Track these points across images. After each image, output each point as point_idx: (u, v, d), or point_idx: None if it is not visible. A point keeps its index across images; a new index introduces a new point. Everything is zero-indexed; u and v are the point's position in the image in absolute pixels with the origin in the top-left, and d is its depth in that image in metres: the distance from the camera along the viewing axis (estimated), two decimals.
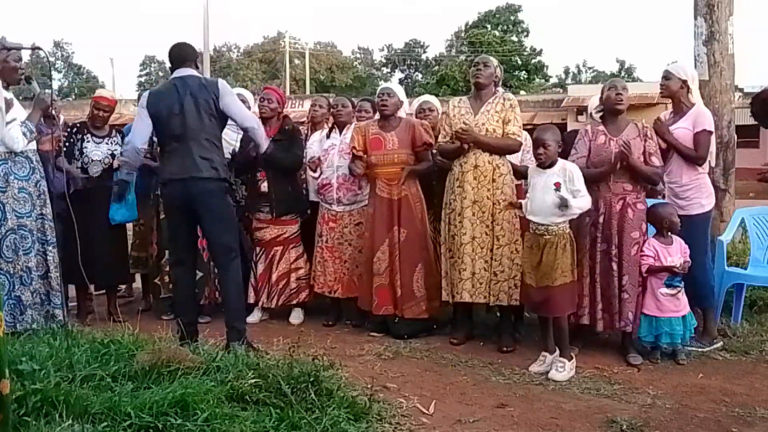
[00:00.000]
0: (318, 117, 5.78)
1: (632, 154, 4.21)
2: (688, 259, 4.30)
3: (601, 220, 4.32)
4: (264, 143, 4.71)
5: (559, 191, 4.02)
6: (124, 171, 5.08)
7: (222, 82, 4.35)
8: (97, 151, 5.24)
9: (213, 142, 4.27)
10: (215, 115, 4.26)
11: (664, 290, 4.29)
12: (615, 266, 4.29)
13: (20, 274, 4.26)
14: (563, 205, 3.98)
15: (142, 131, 4.37)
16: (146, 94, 4.44)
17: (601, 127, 4.42)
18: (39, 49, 3.12)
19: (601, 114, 4.52)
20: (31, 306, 4.29)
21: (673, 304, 4.29)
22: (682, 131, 4.49)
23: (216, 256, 4.41)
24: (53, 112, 4.55)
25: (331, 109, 5.55)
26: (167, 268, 5.32)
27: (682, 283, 4.29)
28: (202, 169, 4.20)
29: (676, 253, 4.30)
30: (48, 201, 4.43)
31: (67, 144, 5.13)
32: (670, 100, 4.70)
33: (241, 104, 4.50)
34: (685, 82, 4.55)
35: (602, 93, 4.49)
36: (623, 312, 4.29)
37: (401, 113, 5.11)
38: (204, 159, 4.21)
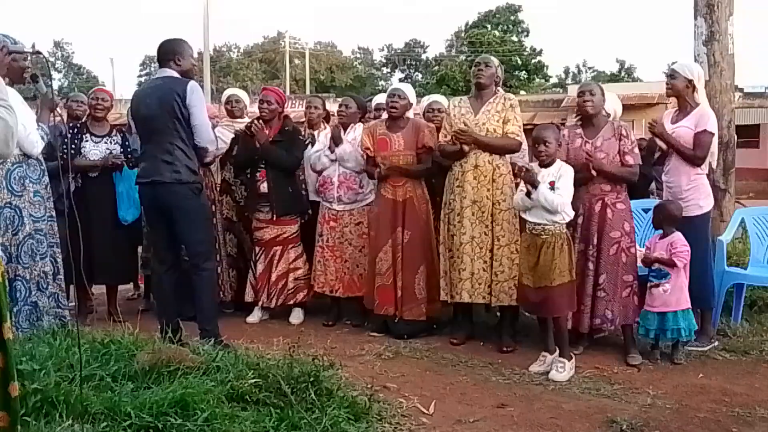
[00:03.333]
0: (314, 118, 5.77)
1: (596, 160, 4.28)
2: (672, 259, 4.22)
3: (579, 221, 4.36)
4: (208, 158, 4.63)
5: (554, 191, 4.02)
6: None
7: (190, 86, 4.21)
8: (95, 150, 5.23)
9: (176, 146, 4.19)
10: (179, 118, 4.18)
11: (650, 283, 4.31)
12: (591, 266, 4.34)
13: (37, 280, 4.19)
14: (531, 181, 4.02)
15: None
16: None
17: (579, 130, 4.48)
18: (39, 53, 3.12)
19: (579, 118, 4.56)
20: (48, 311, 4.23)
21: (649, 298, 4.30)
22: (684, 130, 4.49)
23: (190, 258, 4.37)
24: (58, 112, 4.55)
25: (337, 109, 5.54)
26: None
27: (664, 280, 4.24)
28: (163, 173, 4.19)
29: (659, 250, 4.29)
30: (53, 201, 4.41)
31: (70, 144, 5.14)
32: (673, 100, 4.71)
33: (204, 116, 4.30)
34: (690, 81, 4.55)
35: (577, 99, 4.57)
36: (597, 310, 4.33)
37: (409, 114, 5.10)
38: (166, 163, 4.19)
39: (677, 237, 4.29)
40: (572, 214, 4.14)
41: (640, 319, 4.34)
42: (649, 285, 4.30)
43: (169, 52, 4.34)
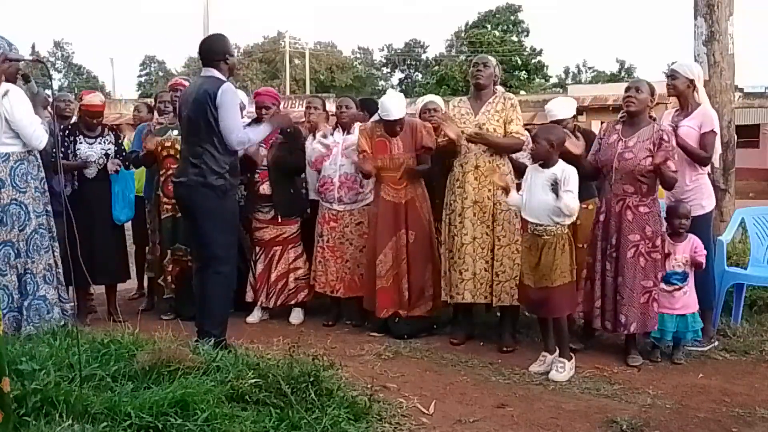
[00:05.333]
0: (314, 119, 5.75)
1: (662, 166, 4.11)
2: (700, 260, 4.27)
3: (602, 218, 4.33)
4: (249, 146, 4.65)
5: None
6: None
7: (222, 89, 4.15)
8: (90, 151, 5.20)
9: (205, 148, 4.17)
10: (209, 120, 4.16)
11: (662, 285, 4.31)
12: (609, 266, 4.29)
13: (43, 273, 4.27)
14: (555, 188, 3.95)
15: None
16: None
17: (619, 126, 4.37)
18: (39, 61, 3.11)
19: (623, 114, 4.45)
20: (57, 303, 4.32)
21: (667, 301, 4.29)
22: (687, 129, 4.49)
23: (204, 259, 4.34)
24: (50, 110, 4.58)
25: (336, 110, 5.53)
26: (169, 268, 5.34)
27: (685, 282, 4.29)
28: (189, 175, 4.22)
29: (682, 252, 4.30)
30: (49, 197, 4.45)
31: (60, 147, 5.12)
32: (674, 100, 4.72)
33: (231, 119, 4.21)
34: (692, 81, 4.55)
35: None
36: (615, 314, 4.26)
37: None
38: (193, 165, 4.20)
39: (696, 239, 4.33)
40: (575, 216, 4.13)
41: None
42: (670, 288, 4.29)
43: (219, 51, 4.30)
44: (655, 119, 4.43)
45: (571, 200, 4.00)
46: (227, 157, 4.24)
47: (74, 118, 5.56)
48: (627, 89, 4.34)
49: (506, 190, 4.29)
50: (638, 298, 4.22)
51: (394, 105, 4.86)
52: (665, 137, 4.20)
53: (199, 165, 4.19)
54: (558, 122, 4.76)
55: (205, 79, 4.28)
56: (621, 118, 4.45)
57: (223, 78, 4.26)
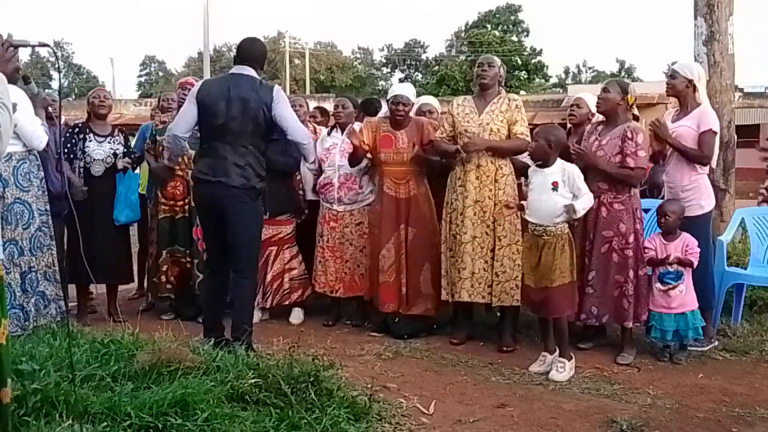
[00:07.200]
0: (301, 116, 5.76)
1: (589, 155, 4.34)
2: (690, 259, 4.28)
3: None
4: (311, 157, 4.84)
5: (557, 190, 4.02)
6: (166, 157, 5.14)
7: (277, 89, 4.18)
8: (99, 150, 5.21)
9: (250, 150, 4.16)
10: (262, 123, 4.15)
11: (658, 285, 4.33)
12: (588, 262, 4.37)
13: (44, 270, 4.40)
14: (571, 213, 3.98)
15: (185, 119, 4.32)
16: (200, 82, 4.47)
17: (600, 127, 4.50)
18: (46, 45, 3.11)
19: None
20: (54, 300, 4.44)
21: (664, 300, 4.31)
22: (685, 129, 4.48)
23: (236, 263, 4.28)
24: (51, 111, 4.63)
25: (333, 110, 5.53)
26: (164, 267, 5.34)
27: (680, 281, 4.29)
28: (232, 176, 4.13)
29: (674, 250, 4.30)
30: (47, 197, 4.52)
31: (68, 144, 5.14)
32: (674, 100, 4.73)
33: (294, 115, 4.33)
34: (690, 81, 4.54)
35: None
36: (584, 306, 4.35)
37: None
38: (237, 166, 4.13)
39: (689, 237, 4.33)
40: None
41: (654, 322, 4.33)
42: (665, 287, 4.31)
43: (261, 55, 4.37)
44: (637, 117, 4.53)
45: (585, 203, 4.04)
46: (264, 160, 4.28)
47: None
48: (600, 90, 4.47)
49: (521, 209, 4.32)
50: (611, 291, 4.33)
51: (400, 85, 5.03)
52: (630, 134, 4.30)
53: (244, 166, 4.14)
54: (576, 106, 4.98)
55: (243, 76, 4.23)
56: (599, 120, 4.57)
57: (261, 81, 4.28)
